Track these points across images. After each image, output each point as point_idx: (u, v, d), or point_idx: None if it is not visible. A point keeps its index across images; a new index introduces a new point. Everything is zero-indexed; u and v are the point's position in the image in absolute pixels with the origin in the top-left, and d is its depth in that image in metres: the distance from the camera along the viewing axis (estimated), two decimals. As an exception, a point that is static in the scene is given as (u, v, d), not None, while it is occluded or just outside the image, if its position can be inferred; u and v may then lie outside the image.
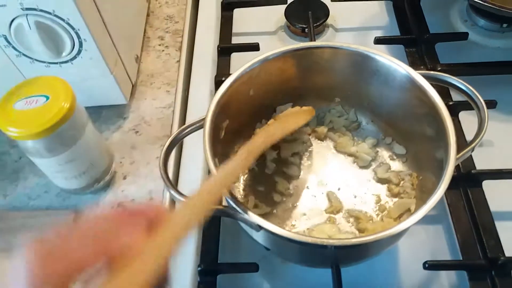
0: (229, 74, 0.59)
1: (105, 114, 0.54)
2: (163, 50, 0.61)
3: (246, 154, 0.34)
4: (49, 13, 0.41)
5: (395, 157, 0.47)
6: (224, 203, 0.46)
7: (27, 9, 0.41)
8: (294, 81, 0.46)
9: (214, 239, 0.44)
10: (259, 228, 0.33)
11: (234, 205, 0.33)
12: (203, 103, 0.55)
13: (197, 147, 0.50)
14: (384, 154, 0.47)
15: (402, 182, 0.44)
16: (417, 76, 0.40)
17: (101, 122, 0.53)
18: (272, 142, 0.39)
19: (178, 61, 0.59)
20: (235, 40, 0.64)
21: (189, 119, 0.54)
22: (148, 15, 0.65)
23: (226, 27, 0.65)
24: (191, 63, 0.60)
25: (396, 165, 0.46)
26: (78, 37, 0.43)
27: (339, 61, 0.44)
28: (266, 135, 0.39)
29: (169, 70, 0.58)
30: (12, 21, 0.42)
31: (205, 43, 0.62)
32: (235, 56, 0.62)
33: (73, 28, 0.43)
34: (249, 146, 0.36)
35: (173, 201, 0.47)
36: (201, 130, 0.39)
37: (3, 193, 0.48)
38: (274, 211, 0.43)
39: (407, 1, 0.65)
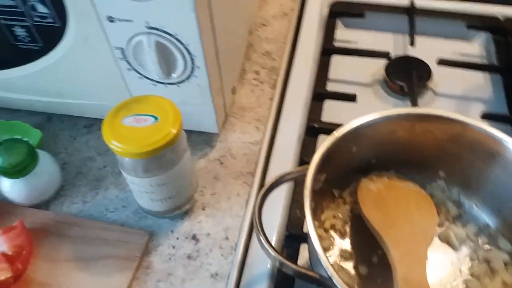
0: (321, 121, 0.58)
1: (194, 139, 0.53)
2: (257, 85, 0.60)
3: None
4: (172, 35, 0.42)
5: (497, 251, 0.42)
6: (301, 261, 0.43)
7: (151, 28, 0.41)
8: (401, 144, 0.44)
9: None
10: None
11: (334, 280, 0.30)
12: (290, 146, 0.53)
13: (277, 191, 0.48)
14: (485, 246, 0.42)
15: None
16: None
17: (189, 146, 0.52)
18: None
19: (271, 99, 0.58)
20: (329, 86, 0.63)
21: (273, 161, 0.52)
22: (247, 47, 0.65)
23: (323, 72, 0.64)
24: (282, 103, 0.59)
25: (499, 261, 0.41)
26: (193, 62, 0.43)
27: (456, 135, 0.41)
28: None
29: (261, 106, 0.57)
30: (133, 36, 0.43)
31: (299, 85, 0.61)
32: (328, 103, 0.60)
33: (190, 54, 0.43)
34: None
35: (246, 245, 0.45)
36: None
37: (83, 199, 0.48)
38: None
39: (520, 78, 0.61)
